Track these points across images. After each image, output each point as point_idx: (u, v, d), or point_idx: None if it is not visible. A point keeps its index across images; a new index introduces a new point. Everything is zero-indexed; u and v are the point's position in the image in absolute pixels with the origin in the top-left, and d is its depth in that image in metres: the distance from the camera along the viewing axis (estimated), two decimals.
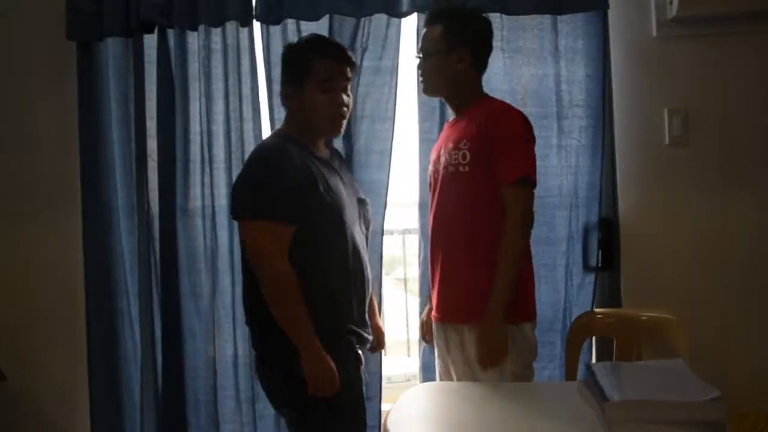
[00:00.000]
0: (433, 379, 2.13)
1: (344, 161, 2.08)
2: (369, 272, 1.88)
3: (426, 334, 2.12)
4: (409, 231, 3.13)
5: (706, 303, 2.25)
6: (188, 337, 2.36)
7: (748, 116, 2.29)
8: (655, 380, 1.37)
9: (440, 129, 2.22)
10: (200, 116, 2.34)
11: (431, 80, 1.96)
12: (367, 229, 1.93)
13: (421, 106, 2.27)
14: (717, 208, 2.29)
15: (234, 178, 2.13)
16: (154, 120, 2.36)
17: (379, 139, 2.28)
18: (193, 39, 2.33)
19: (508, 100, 2.04)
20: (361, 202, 1.93)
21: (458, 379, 1.89)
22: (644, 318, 2.09)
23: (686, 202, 2.30)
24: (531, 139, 1.88)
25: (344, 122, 1.87)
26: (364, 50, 2.26)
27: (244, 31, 2.32)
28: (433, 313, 1.98)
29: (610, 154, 2.29)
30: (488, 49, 1.98)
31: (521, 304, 1.83)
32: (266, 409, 2.28)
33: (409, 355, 3.41)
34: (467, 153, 1.85)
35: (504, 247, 1.79)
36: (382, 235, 2.30)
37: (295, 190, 1.71)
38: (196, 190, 2.35)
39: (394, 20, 2.26)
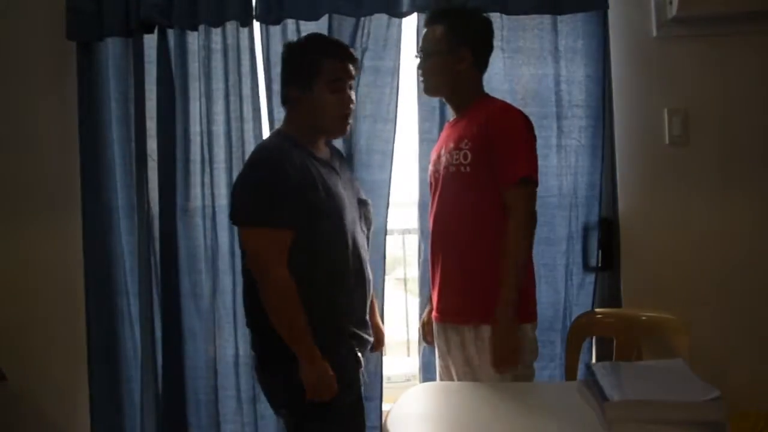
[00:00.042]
0: (433, 379, 2.13)
1: (345, 160, 2.07)
2: (370, 273, 1.87)
3: (427, 334, 2.12)
4: (409, 231, 3.12)
5: (706, 303, 2.25)
6: (189, 337, 2.36)
7: (748, 116, 2.29)
8: (655, 380, 1.37)
9: (440, 129, 2.22)
10: (200, 116, 2.34)
11: (432, 80, 1.96)
12: (368, 229, 1.93)
13: (421, 106, 2.27)
14: (717, 208, 2.29)
15: (234, 177, 2.13)
16: (154, 120, 2.36)
17: (381, 139, 2.28)
18: (193, 39, 2.33)
19: (508, 100, 2.04)
20: (362, 203, 1.92)
21: (459, 380, 1.89)
22: (644, 318, 2.09)
23: (686, 202, 2.30)
24: (532, 139, 1.88)
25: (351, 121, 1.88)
26: (364, 50, 2.26)
27: (244, 31, 2.31)
28: (434, 313, 1.98)
29: (610, 154, 2.29)
30: (489, 48, 1.98)
31: (522, 305, 1.83)
32: (267, 409, 2.28)
33: (409, 355, 3.41)
34: (468, 153, 1.85)
35: (509, 248, 1.79)
36: (385, 235, 2.30)
37: (295, 192, 1.71)
38: (196, 190, 2.35)
39: (395, 20, 2.26)
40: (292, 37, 2.25)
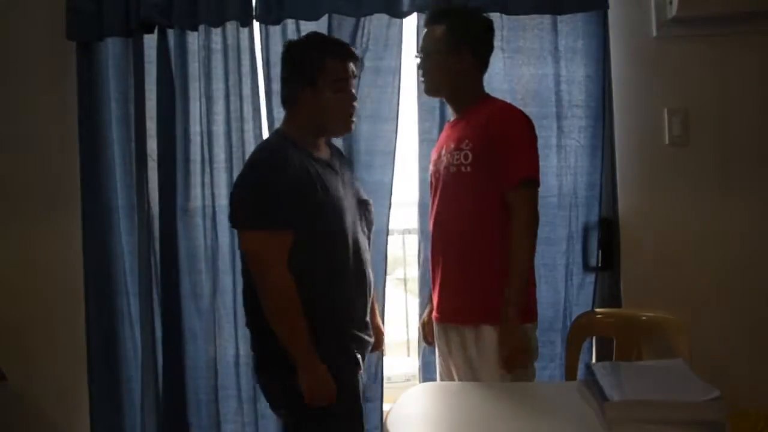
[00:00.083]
0: (433, 379, 2.13)
1: (345, 159, 2.06)
2: (371, 273, 1.87)
3: (427, 335, 2.12)
4: (409, 231, 3.13)
5: (706, 303, 2.25)
6: (189, 338, 2.36)
7: (747, 116, 2.29)
8: (655, 380, 1.37)
9: (440, 129, 2.22)
10: (200, 116, 2.34)
11: (433, 80, 1.96)
12: (369, 230, 1.92)
13: (421, 106, 2.27)
14: (717, 208, 2.29)
15: (234, 178, 2.12)
16: (154, 120, 2.36)
17: (383, 139, 2.28)
18: (193, 39, 2.33)
19: (508, 100, 2.04)
20: (363, 203, 1.91)
21: (460, 380, 1.89)
22: (644, 318, 2.09)
23: (686, 202, 2.30)
24: (534, 139, 1.88)
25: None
26: (365, 50, 2.26)
27: (244, 31, 2.31)
28: (434, 313, 1.98)
29: (610, 154, 2.29)
30: (490, 48, 1.98)
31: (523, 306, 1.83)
32: (267, 408, 2.24)
33: (409, 355, 3.41)
34: (469, 153, 1.85)
35: (513, 249, 1.79)
36: (387, 235, 2.29)
37: (294, 194, 1.70)
38: (196, 190, 2.35)
39: (396, 20, 2.26)
40: (292, 37, 2.25)
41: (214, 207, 2.34)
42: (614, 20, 2.26)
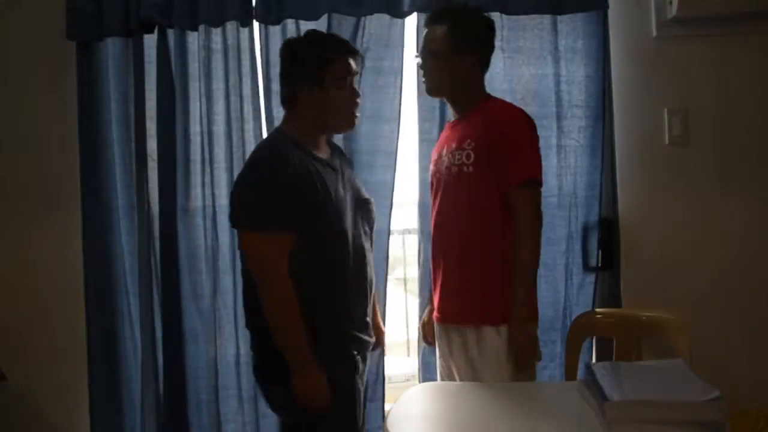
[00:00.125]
0: (433, 379, 2.13)
1: (345, 157, 2.04)
2: (372, 273, 1.86)
3: (427, 335, 2.11)
4: (409, 231, 3.13)
5: (706, 303, 2.25)
6: (189, 338, 2.35)
7: (747, 116, 2.29)
8: (655, 380, 1.37)
9: (440, 129, 2.22)
10: (200, 116, 2.34)
11: (435, 81, 1.95)
12: (370, 229, 1.91)
13: (421, 105, 2.27)
14: (717, 208, 2.29)
15: (235, 177, 2.12)
16: (154, 120, 2.36)
17: (384, 139, 2.28)
18: (193, 39, 2.33)
19: (508, 100, 2.04)
20: (364, 202, 1.90)
21: (461, 381, 1.88)
22: (644, 318, 2.09)
23: (686, 202, 2.30)
24: (536, 139, 1.88)
25: None
26: (366, 50, 2.25)
27: (245, 31, 2.31)
28: (435, 313, 1.98)
29: (610, 154, 2.29)
30: (491, 48, 1.98)
31: None
32: (268, 408, 2.26)
33: (409, 355, 3.41)
34: (471, 153, 1.84)
35: (519, 249, 1.79)
36: (389, 235, 2.29)
37: (295, 193, 1.70)
38: (196, 190, 2.35)
39: (397, 21, 2.26)
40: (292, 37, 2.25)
41: (214, 207, 2.34)
42: (614, 20, 2.26)
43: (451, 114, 2.07)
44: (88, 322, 2.43)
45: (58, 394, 2.51)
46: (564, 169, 2.26)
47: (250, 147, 2.26)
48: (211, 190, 2.34)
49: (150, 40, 2.36)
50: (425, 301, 2.22)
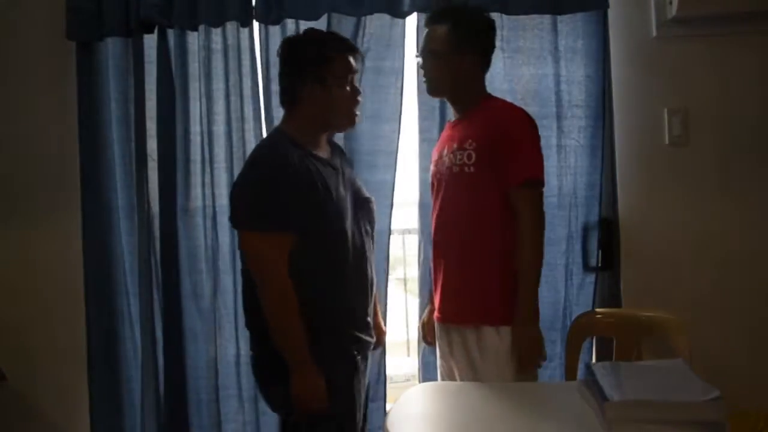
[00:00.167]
0: (433, 379, 2.13)
1: (345, 156, 2.03)
2: (373, 273, 1.86)
3: (427, 335, 2.11)
4: (409, 231, 3.13)
5: (706, 303, 2.25)
6: (189, 338, 2.35)
7: (747, 116, 2.29)
8: (655, 380, 1.37)
9: (440, 129, 2.22)
10: (200, 116, 2.34)
11: (436, 81, 1.95)
12: (371, 228, 1.90)
13: (421, 105, 2.27)
14: (717, 208, 2.29)
15: (235, 177, 2.12)
16: (154, 120, 2.36)
17: (385, 139, 2.28)
18: (193, 39, 2.33)
19: (508, 100, 2.04)
20: (366, 201, 1.90)
21: (461, 381, 1.88)
22: (644, 318, 2.09)
23: (686, 202, 2.30)
24: (537, 139, 1.88)
25: None
26: (366, 50, 2.25)
27: (245, 31, 2.31)
28: (436, 314, 1.98)
29: (610, 154, 2.29)
30: (492, 47, 1.97)
31: None
32: (268, 408, 2.28)
33: (409, 355, 3.41)
34: (473, 153, 1.84)
35: (523, 250, 1.79)
36: (389, 235, 2.29)
37: (295, 193, 1.69)
38: (197, 190, 2.35)
39: (398, 21, 2.26)
40: None
41: (214, 207, 2.33)
42: (614, 20, 2.26)
43: (451, 114, 2.07)
44: (88, 322, 2.42)
45: (58, 394, 2.51)
46: (564, 169, 2.26)
47: (251, 147, 2.26)
48: (211, 190, 2.34)
49: (150, 40, 2.36)
50: (425, 301, 2.22)
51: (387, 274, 2.29)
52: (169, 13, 2.31)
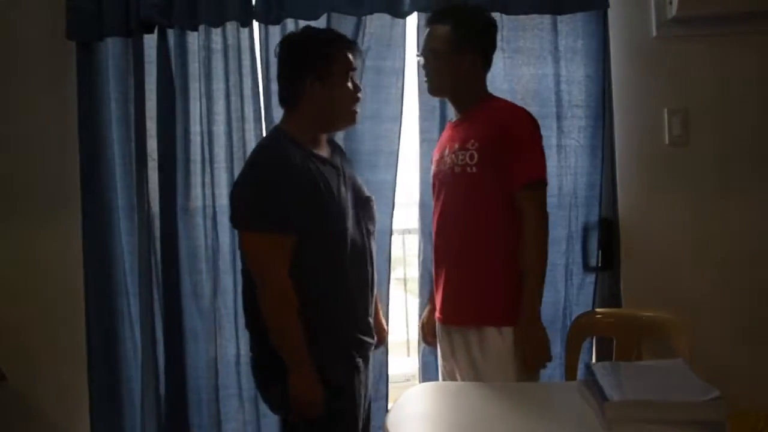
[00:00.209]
0: (433, 379, 2.13)
1: (345, 156, 2.01)
2: (374, 273, 1.85)
3: (427, 335, 2.11)
4: (409, 231, 3.13)
5: (706, 303, 2.25)
6: (190, 337, 2.35)
7: (747, 116, 2.29)
8: (655, 380, 1.37)
9: (440, 129, 2.22)
10: (200, 116, 2.34)
11: (437, 81, 1.95)
12: (372, 227, 1.89)
13: (422, 105, 2.27)
14: (716, 208, 2.29)
15: (235, 177, 2.12)
16: (154, 120, 2.36)
17: (386, 139, 2.27)
18: (193, 39, 2.33)
19: (509, 100, 2.03)
20: (366, 200, 1.89)
21: (462, 381, 1.88)
22: (644, 318, 2.09)
23: (686, 202, 2.30)
24: (539, 139, 1.88)
25: None
26: (367, 50, 2.25)
27: (245, 31, 2.31)
28: (437, 314, 1.98)
29: (610, 154, 2.29)
30: (493, 47, 1.97)
31: None
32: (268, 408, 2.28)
33: (409, 355, 3.41)
34: (475, 153, 1.84)
35: (527, 250, 1.79)
36: (390, 235, 2.29)
37: (295, 193, 1.68)
38: (197, 190, 2.35)
39: (399, 21, 2.26)
40: None
41: (214, 207, 2.33)
42: (614, 20, 2.26)
43: (452, 114, 2.07)
44: (88, 322, 2.42)
45: (58, 394, 2.51)
46: (564, 169, 2.26)
47: (251, 147, 2.26)
48: (211, 190, 2.34)
49: (150, 40, 2.36)
50: (425, 301, 2.21)
51: (388, 274, 2.29)
52: (169, 13, 2.31)
